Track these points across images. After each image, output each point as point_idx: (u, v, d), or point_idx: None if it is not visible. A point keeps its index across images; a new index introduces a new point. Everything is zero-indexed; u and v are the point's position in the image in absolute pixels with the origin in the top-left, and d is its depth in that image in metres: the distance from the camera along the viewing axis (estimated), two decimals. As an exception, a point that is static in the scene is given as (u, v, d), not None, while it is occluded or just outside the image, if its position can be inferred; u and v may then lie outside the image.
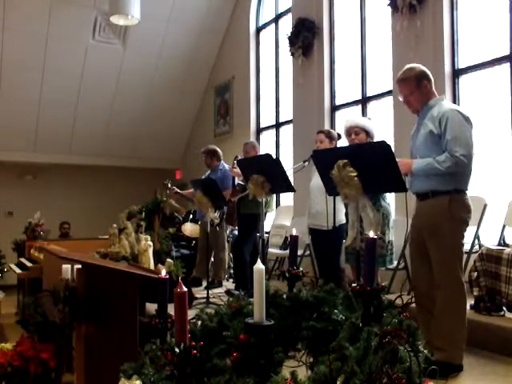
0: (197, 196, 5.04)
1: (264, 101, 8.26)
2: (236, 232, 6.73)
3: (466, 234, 2.96)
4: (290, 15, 7.27)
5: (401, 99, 3.07)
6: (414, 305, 2.92)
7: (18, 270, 5.29)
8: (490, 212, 4.28)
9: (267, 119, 8.15)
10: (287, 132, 7.52)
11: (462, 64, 4.96)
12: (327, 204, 3.82)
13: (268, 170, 3.83)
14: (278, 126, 7.86)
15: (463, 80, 4.97)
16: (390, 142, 5.04)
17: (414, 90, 2.95)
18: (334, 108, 6.57)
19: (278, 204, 7.45)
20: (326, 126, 6.32)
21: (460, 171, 2.81)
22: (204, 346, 1.54)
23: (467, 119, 2.87)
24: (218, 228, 5.73)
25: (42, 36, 8.17)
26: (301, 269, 2.08)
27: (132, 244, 4.82)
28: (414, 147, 3.05)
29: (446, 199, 2.84)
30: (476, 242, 4.19)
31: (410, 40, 5.15)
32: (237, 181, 5.66)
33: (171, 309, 1.57)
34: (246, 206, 5.14)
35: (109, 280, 2.44)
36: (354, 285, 1.75)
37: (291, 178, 4.01)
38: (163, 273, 1.78)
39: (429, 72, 3.01)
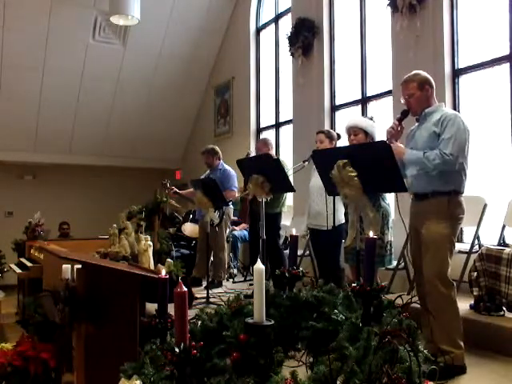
0: (197, 196, 5.04)
1: (264, 101, 8.26)
2: (235, 232, 6.74)
3: (459, 232, 3.10)
4: (289, 15, 7.28)
5: (402, 101, 3.16)
6: (414, 305, 2.91)
7: (18, 270, 5.27)
8: (490, 212, 4.28)
9: (267, 119, 8.15)
10: (287, 132, 7.52)
11: (461, 64, 4.96)
12: (327, 204, 3.82)
13: (268, 170, 3.83)
14: (277, 125, 7.86)
15: (463, 80, 4.96)
16: (390, 142, 5.03)
17: (416, 92, 3.06)
18: (334, 108, 6.57)
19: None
20: (326, 126, 6.32)
21: (447, 169, 2.87)
22: (204, 346, 1.54)
23: (466, 128, 2.94)
24: (217, 228, 5.73)
25: (42, 36, 8.16)
26: (301, 269, 2.08)
27: (132, 244, 4.81)
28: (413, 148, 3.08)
29: (445, 199, 2.93)
30: (476, 242, 4.18)
31: (410, 40, 5.15)
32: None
33: (171, 309, 1.56)
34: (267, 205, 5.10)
35: (109, 280, 2.43)
36: (353, 285, 1.75)
37: (291, 178, 4.01)
38: (163, 273, 1.78)
39: (432, 80, 3.14)
